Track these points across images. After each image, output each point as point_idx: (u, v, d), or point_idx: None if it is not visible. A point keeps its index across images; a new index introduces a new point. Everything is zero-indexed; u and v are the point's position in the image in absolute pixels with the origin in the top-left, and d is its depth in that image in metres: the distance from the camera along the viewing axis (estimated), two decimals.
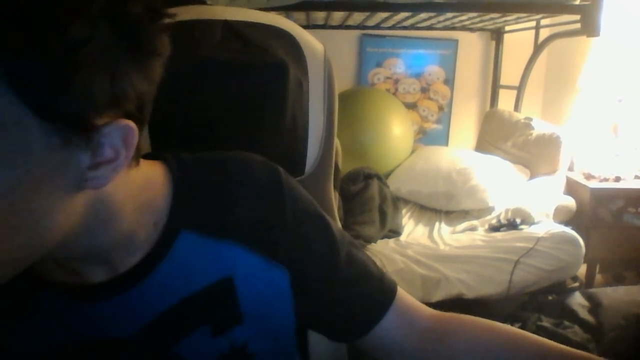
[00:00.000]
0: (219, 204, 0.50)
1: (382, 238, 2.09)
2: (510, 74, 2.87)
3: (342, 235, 0.58)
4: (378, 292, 0.57)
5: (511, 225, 2.07)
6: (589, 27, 1.88)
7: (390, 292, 0.57)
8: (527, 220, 2.07)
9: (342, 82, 2.85)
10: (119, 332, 0.46)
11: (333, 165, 0.78)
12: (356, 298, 0.56)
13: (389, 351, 0.57)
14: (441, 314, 0.58)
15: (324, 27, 2.60)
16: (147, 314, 0.47)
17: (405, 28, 2.72)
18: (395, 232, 2.17)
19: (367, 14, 2.27)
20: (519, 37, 2.81)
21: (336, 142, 0.79)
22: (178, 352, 0.47)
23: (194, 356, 0.48)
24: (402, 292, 0.59)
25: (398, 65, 2.95)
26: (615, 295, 1.90)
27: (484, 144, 2.77)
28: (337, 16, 2.36)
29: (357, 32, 2.86)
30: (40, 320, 0.45)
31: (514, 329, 0.54)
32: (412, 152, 2.71)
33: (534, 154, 2.39)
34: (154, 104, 0.43)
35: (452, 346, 0.54)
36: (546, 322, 1.80)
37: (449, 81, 3.01)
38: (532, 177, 2.37)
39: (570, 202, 2.26)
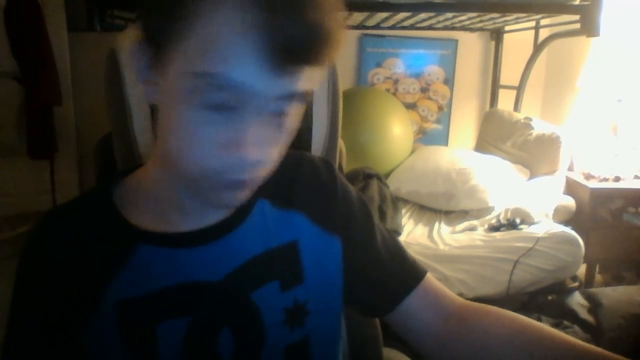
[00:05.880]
0: (287, 182, 0.60)
1: None
2: (509, 74, 2.87)
3: (379, 224, 0.66)
4: (407, 272, 0.63)
5: (511, 225, 2.07)
6: (589, 27, 1.89)
7: (418, 274, 0.63)
8: (527, 220, 2.07)
9: (342, 82, 2.82)
10: (209, 276, 0.54)
11: (337, 166, 0.78)
12: (387, 274, 0.63)
13: (416, 330, 0.62)
14: (470, 303, 0.62)
15: None
16: (232, 262, 0.55)
17: (404, 28, 2.71)
18: (395, 232, 2.17)
19: (367, 14, 2.27)
20: (519, 37, 2.81)
21: (340, 143, 0.79)
22: (253, 300, 0.55)
23: (265, 305, 0.56)
24: (432, 279, 0.64)
25: (398, 65, 2.95)
26: (614, 295, 1.91)
27: (483, 144, 2.77)
28: None
29: (357, 32, 2.85)
30: (134, 268, 0.53)
31: (537, 323, 0.57)
32: (412, 152, 2.70)
33: (534, 154, 2.39)
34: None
35: (475, 332, 0.58)
36: (546, 322, 1.81)
37: (449, 81, 3.01)
38: (531, 177, 2.36)
39: (570, 202, 2.26)
